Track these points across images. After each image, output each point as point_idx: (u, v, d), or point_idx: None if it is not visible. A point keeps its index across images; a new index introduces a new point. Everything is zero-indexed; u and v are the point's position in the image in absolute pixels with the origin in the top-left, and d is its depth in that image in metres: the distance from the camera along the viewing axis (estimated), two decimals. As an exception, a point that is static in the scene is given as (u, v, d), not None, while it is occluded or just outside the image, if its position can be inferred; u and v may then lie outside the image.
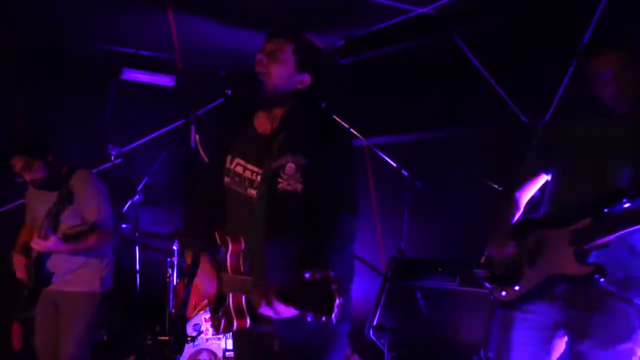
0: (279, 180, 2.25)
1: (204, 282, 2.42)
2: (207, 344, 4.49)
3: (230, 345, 4.48)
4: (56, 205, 3.68)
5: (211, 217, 2.48)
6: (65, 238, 3.77)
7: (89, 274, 3.89)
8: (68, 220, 3.81)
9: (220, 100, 5.72)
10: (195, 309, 4.73)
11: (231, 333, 2.64)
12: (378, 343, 4.28)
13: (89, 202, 3.83)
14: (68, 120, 5.33)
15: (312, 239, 2.16)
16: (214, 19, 4.91)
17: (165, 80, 5.95)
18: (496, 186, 4.11)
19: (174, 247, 4.78)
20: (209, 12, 4.79)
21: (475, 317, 3.93)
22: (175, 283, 4.71)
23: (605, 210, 2.25)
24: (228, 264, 2.27)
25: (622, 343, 2.31)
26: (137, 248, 4.99)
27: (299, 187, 2.24)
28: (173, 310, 4.76)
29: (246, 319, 2.27)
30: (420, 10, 4.66)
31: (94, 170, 5.34)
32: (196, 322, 4.57)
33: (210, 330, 4.50)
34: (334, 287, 1.91)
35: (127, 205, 5.05)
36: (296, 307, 1.94)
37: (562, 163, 2.55)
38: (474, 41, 4.71)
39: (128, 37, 5.42)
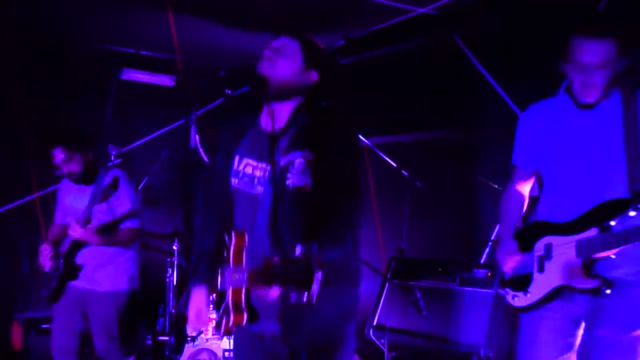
0: (289, 176, 2.26)
1: (193, 314, 2.44)
2: (207, 344, 4.49)
3: (230, 345, 4.48)
4: (91, 196, 3.82)
5: (217, 228, 2.49)
6: (100, 230, 3.88)
7: (115, 273, 3.98)
8: (98, 217, 3.91)
9: (220, 100, 5.72)
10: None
11: (233, 336, 2.62)
12: (378, 343, 4.28)
13: (122, 201, 3.94)
14: (68, 120, 5.33)
15: (313, 227, 2.16)
16: (214, 19, 4.91)
17: (165, 80, 5.95)
18: (496, 186, 4.12)
19: (174, 247, 4.78)
20: (209, 12, 4.79)
21: (475, 317, 3.93)
22: (175, 283, 4.72)
23: (612, 222, 2.31)
24: (231, 258, 2.28)
25: (638, 328, 2.35)
26: (137, 248, 4.99)
27: (309, 182, 2.25)
28: (173, 310, 4.76)
29: (243, 314, 2.26)
30: (420, 10, 4.66)
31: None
32: (196, 322, 4.57)
33: (210, 330, 4.50)
34: (314, 261, 1.91)
35: (127, 205, 5.04)
36: (278, 284, 1.95)
37: (551, 159, 2.56)
38: (474, 41, 4.72)
39: (128, 37, 5.42)
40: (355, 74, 5.55)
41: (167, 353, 4.68)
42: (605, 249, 2.31)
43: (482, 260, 4.42)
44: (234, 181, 2.43)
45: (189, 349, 4.46)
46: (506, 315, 2.79)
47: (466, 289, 4.08)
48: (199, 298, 2.44)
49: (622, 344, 2.35)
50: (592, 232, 2.35)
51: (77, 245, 3.93)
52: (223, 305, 2.34)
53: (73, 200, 4.03)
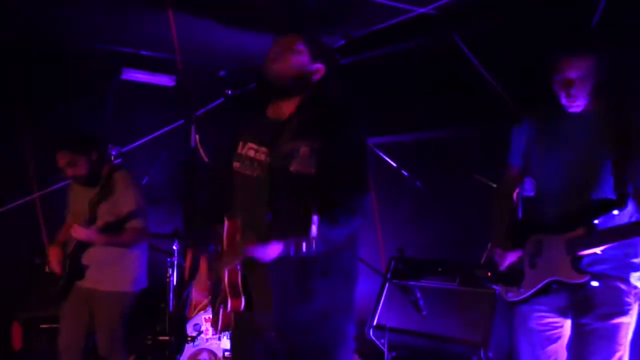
0: (292, 162, 2.27)
1: (198, 287, 2.45)
2: (207, 344, 4.50)
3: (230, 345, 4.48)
4: (96, 196, 3.85)
5: (215, 208, 2.50)
6: (104, 230, 3.88)
7: (121, 273, 3.98)
8: (105, 217, 3.92)
9: (220, 100, 5.72)
10: (195, 309, 4.74)
11: (229, 334, 2.61)
12: (378, 343, 4.28)
13: (126, 200, 3.94)
14: (68, 120, 5.33)
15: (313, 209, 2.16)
16: (214, 19, 4.90)
17: (165, 80, 5.95)
18: (495, 185, 4.12)
19: (174, 247, 4.78)
20: (209, 12, 4.79)
21: (475, 317, 3.94)
22: (175, 283, 4.71)
23: (596, 221, 2.51)
24: (224, 241, 2.29)
25: (618, 316, 2.56)
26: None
27: (312, 170, 2.26)
28: (173, 310, 4.76)
29: (241, 298, 2.27)
30: (420, 10, 4.66)
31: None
32: (196, 322, 4.57)
33: (210, 330, 4.51)
34: (310, 205, 1.90)
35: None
36: (274, 236, 1.94)
37: (540, 160, 2.74)
38: (474, 41, 4.71)
39: (128, 37, 5.42)
40: (355, 74, 5.55)
41: (167, 353, 4.67)
42: (592, 246, 2.51)
43: (482, 260, 4.42)
44: (236, 164, 2.45)
45: (189, 349, 4.46)
46: (506, 315, 2.91)
47: (466, 289, 4.08)
48: (203, 270, 2.45)
49: (601, 331, 2.55)
50: (580, 231, 2.54)
51: (83, 245, 3.94)
52: (219, 299, 2.34)
53: (81, 201, 4.03)
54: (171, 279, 4.75)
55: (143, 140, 6.00)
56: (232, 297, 2.25)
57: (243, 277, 2.26)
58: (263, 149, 2.39)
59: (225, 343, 4.52)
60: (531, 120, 2.82)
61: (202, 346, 4.48)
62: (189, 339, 4.45)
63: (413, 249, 4.74)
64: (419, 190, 4.74)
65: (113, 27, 5.15)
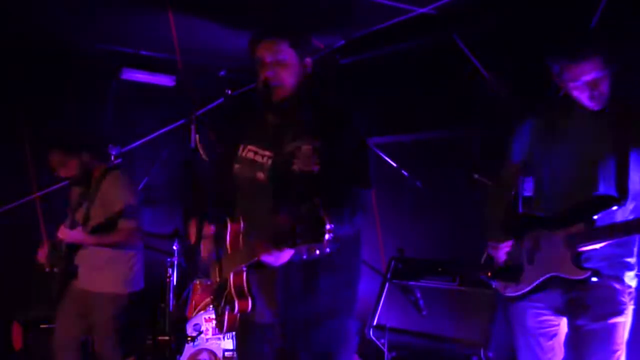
0: (294, 161, 2.26)
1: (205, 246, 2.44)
2: (207, 344, 4.50)
3: (230, 345, 4.48)
4: (84, 197, 3.84)
5: (216, 210, 2.49)
6: (95, 230, 3.85)
7: (114, 274, 3.94)
8: (96, 218, 3.89)
9: (220, 100, 5.72)
10: (195, 309, 4.73)
11: (234, 334, 2.62)
12: (378, 343, 4.28)
13: (117, 201, 3.88)
14: (68, 120, 5.33)
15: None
16: (214, 18, 4.90)
17: (165, 80, 5.95)
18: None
19: (174, 247, 4.78)
20: (209, 12, 4.79)
21: (475, 317, 3.94)
22: (175, 283, 4.71)
23: (595, 216, 2.48)
24: (228, 244, 2.28)
25: (614, 317, 2.54)
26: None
27: (315, 168, 2.25)
28: (173, 310, 4.76)
29: (248, 300, 2.26)
30: (420, 10, 4.66)
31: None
32: (196, 322, 4.57)
33: (211, 330, 4.50)
34: (322, 213, 1.89)
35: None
36: (288, 244, 1.93)
37: (541, 159, 2.72)
38: (474, 41, 4.71)
39: (128, 37, 5.42)
40: (355, 74, 5.55)
41: (167, 353, 4.67)
42: (592, 242, 2.49)
43: (482, 260, 4.42)
44: (237, 167, 2.44)
45: (189, 349, 4.46)
46: (506, 315, 2.89)
47: (466, 289, 4.08)
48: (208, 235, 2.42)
49: (599, 332, 2.53)
50: (579, 226, 2.51)
51: (75, 245, 3.91)
52: (223, 300, 2.34)
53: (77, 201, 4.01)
54: (171, 279, 4.75)
55: (143, 140, 6.01)
56: (239, 299, 2.25)
57: (247, 277, 2.26)
58: (264, 150, 2.38)
59: (226, 343, 4.51)
60: (534, 118, 2.80)
61: (202, 346, 4.48)
62: (189, 339, 4.44)
63: (413, 249, 4.74)
64: (419, 190, 4.74)
65: (113, 27, 5.15)
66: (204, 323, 4.54)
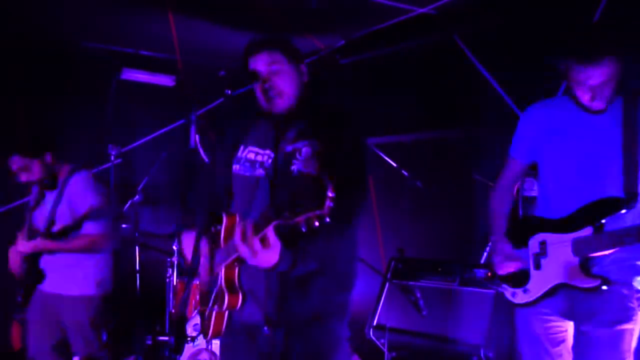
0: (294, 162, 2.26)
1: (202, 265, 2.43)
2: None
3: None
4: (36, 202, 3.72)
5: (212, 208, 2.49)
6: (52, 236, 3.74)
7: (82, 277, 3.83)
8: (62, 220, 3.79)
9: (220, 100, 5.73)
10: (195, 309, 4.73)
11: (219, 340, 2.58)
12: (378, 343, 4.28)
13: (83, 201, 3.78)
14: (68, 120, 5.33)
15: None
16: (214, 19, 4.91)
17: (165, 80, 5.95)
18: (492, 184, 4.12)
19: (174, 247, 4.78)
20: (209, 12, 4.79)
21: (475, 317, 3.93)
22: (175, 283, 4.71)
23: (603, 220, 2.41)
24: (222, 237, 2.28)
25: (623, 324, 2.45)
26: (137, 248, 4.99)
27: (314, 170, 2.24)
28: (173, 310, 4.76)
29: (238, 294, 2.24)
30: (420, 10, 4.66)
31: (94, 170, 5.34)
32: (196, 322, 4.56)
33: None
34: (324, 180, 1.83)
35: (127, 205, 5.05)
36: (284, 219, 1.87)
37: (552, 156, 2.63)
38: (474, 41, 4.71)
39: (128, 37, 5.42)
40: (355, 74, 5.55)
41: (167, 353, 4.67)
42: (602, 249, 2.40)
43: (482, 260, 4.42)
44: (236, 167, 2.45)
45: (189, 349, 4.46)
46: (506, 315, 2.85)
47: (466, 289, 4.08)
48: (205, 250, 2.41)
49: (606, 339, 2.45)
50: (587, 231, 2.44)
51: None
52: (211, 300, 2.32)
53: (41, 206, 3.86)
54: (171, 279, 4.75)
55: (143, 140, 6.01)
56: (229, 294, 2.23)
57: (239, 271, 2.25)
58: (264, 151, 2.39)
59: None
60: (541, 111, 2.68)
61: (202, 346, 4.48)
62: (189, 339, 4.44)
63: (413, 249, 4.74)
64: (419, 190, 4.74)
65: (113, 27, 5.15)
66: (204, 323, 4.54)
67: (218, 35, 5.19)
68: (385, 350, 4.17)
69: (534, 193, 2.82)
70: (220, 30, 5.08)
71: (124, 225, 5.12)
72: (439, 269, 4.26)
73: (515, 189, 2.83)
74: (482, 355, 3.78)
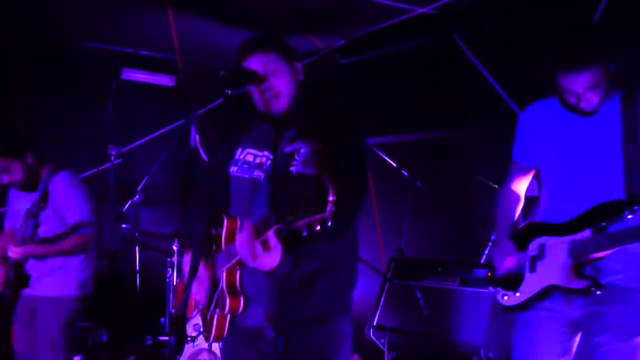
0: (293, 163, 2.25)
1: (198, 288, 2.42)
2: (207, 344, 4.49)
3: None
4: (32, 206, 3.65)
5: (211, 214, 2.47)
6: (42, 241, 3.72)
7: (64, 278, 3.80)
8: (47, 223, 3.76)
9: (220, 100, 5.73)
10: (195, 308, 4.72)
11: (221, 343, 2.57)
12: (378, 343, 4.28)
13: (68, 204, 3.75)
14: (68, 120, 5.33)
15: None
16: (214, 18, 4.91)
17: (165, 80, 5.95)
18: (496, 186, 4.12)
19: (174, 247, 4.78)
20: (209, 12, 4.79)
21: (475, 317, 3.93)
22: (175, 283, 4.71)
23: (605, 223, 2.34)
24: (222, 240, 2.26)
25: (639, 335, 2.34)
26: (137, 248, 4.99)
27: (314, 171, 2.24)
28: (173, 310, 4.76)
29: (240, 298, 2.23)
30: (420, 10, 4.66)
31: (94, 170, 5.35)
32: (196, 322, 4.56)
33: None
34: (326, 184, 1.82)
35: (127, 205, 5.05)
36: (285, 223, 1.87)
37: (551, 160, 2.58)
38: (474, 41, 4.72)
39: (128, 37, 5.42)
40: (355, 74, 5.55)
41: (167, 353, 4.67)
42: (598, 250, 2.34)
43: (482, 260, 4.42)
44: (233, 169, 2.43)
45: (189, 349, 4.46)
46: (506, 315, 2.80)
47: (466, 289, 4.08)
48: (202, 273, 2.39)
49: (621, 352, 2.34)
50: (586, 233, 2.38)
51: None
52: (213, 303, 2.32)
53: (20, 208, 3.80)
54: (171, 279, 4.75)
55: (143, 140, 6.01)
56: (231, 297, 2.22)
57: (241, 275, 2.24)
58: (262, 152, 2.38)
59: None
60: (540, 112, 2.63)
61: (202, 346, 4.47)
62: (189, 339, 4.44)
63: (413, 249, 4.74)
64: (419, 190, 4.74)
65: (113, 27, 5.15)
66: (204, 323, 4.54)
67: (218, 35, 5.19)
68: (385, 350, 4.17)
69: (535, 193, 2.79)
70: (220, 30, 5.08)
71: (124, 225, 5.12)
72: (439, 269, 4.26)
73: (524, 192, 2.77)
74: (482, 355, 3.78)
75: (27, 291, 3.83)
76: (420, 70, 5.08)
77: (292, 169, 2.25)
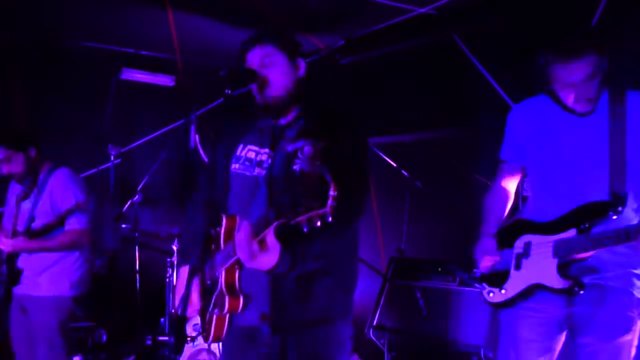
0: (296, 161, 2.25)
1: (195, 299, 2.43)
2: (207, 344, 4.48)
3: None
4: (21, 191, 3.68)
5: (210, 213, 2.48)
6: (33, 234, 3.72)
7: (58, 277, 3.78)
8: (42, 217, 3.76)
9: (220, 100, 5.73)
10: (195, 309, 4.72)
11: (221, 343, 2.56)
12: (378, 343, 4.28)
13: (65, 195, 3.76)
14: (68, 120, 5.33)
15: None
16: (214, 18, 4.90)
17: (165, 80, 5.95)
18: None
19: (174, 247, 4.78)
20: (209, 11, 4.79)
21: (475, 317, 3.94)
22: (175, 283, 4.71)
23: (589, 224, 2.34)
24: (221, 239, 2.26)
25: (623, 335, 2.36)
26: (137, 248, 4.99)
27: (316, 169, 2.23)
28: (173, 310, 4.76)
29: (239, 298, 2.22)
30: (420, 10, 4.66)
31: (94, 170, 5.34)
32: (196, 322, 4.56)
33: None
34: (328, 178, 1.81)
35: (127, 205, 5.04)
36: (285, 220, 1.86)
37: (538, 159, 2.59)
38: (474, 41, 4.71)
39: (128, 37, 5.42)
40: (355, 74, 5.55)
41: (167, 353, 4.67)
42: (581, 250, 2.33)
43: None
44: (234, 166, 2.43)
45: (188, 349, 4.46)
46: (491, 312, 2.78)
47: (466, 289, 4.08)
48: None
49: (605, 352, 2.35)
50: (571, 233, 2.38)
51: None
52: (212, 304, 2.31)
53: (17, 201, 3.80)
54: (171, 279, 4.75)
55: (143, 140, 6.01)
56: (230, 297, 2.21)
57: (240, 274, 2.23)
58: (263, 150, 2.38)
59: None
60: (527, 111, 2.64)
61: (202, 346, 4.48)
62: (188, 339, 4.44)
63: (413, 249, 4.74)
64: (419, 190, 4.74)
65: (113, 27, 5.15)
66: (204, 323, 4.54)
67: (218, 35, 5.19)
68: (385, 350, 4.17)
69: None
70: (220, 30, 5.08)
71: (124, 225, 5.11)
72: (439, 269, 4.26)
73: (514, 191, 2.78)
74: (482, 355, 3.78)
75: (20, 291, 3.80)
76: (420, 70, 5.07)
77: (296, 167, 2.25)
